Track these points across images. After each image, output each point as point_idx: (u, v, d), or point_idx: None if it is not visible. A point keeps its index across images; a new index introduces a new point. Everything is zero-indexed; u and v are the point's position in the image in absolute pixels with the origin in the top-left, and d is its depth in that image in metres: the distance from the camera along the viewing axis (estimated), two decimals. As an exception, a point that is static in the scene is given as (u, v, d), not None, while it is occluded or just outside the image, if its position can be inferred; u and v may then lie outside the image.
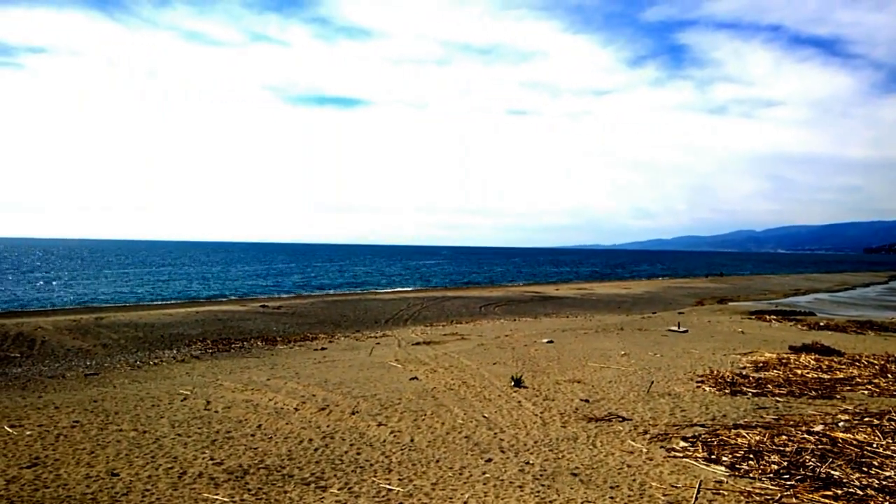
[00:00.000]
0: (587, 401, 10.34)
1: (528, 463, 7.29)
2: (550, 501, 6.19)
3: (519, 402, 10.21)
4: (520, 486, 6.56)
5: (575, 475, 6.90)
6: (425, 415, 9.38)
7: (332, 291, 44.05)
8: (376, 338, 18.73)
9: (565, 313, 27.52)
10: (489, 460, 7.39)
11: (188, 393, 10.82)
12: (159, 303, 34.36)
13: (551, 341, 17.07)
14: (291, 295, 40.22)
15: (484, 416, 9.29)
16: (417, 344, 16.96)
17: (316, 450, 7.73)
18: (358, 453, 7.62)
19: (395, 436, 8.35)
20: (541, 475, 6.89)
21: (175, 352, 16.62)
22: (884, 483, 6.55)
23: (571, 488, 6.51)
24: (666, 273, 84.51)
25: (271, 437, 8.21)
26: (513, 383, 11.35)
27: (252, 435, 8.32)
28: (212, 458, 7.36)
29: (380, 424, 8.88)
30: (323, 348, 16.67)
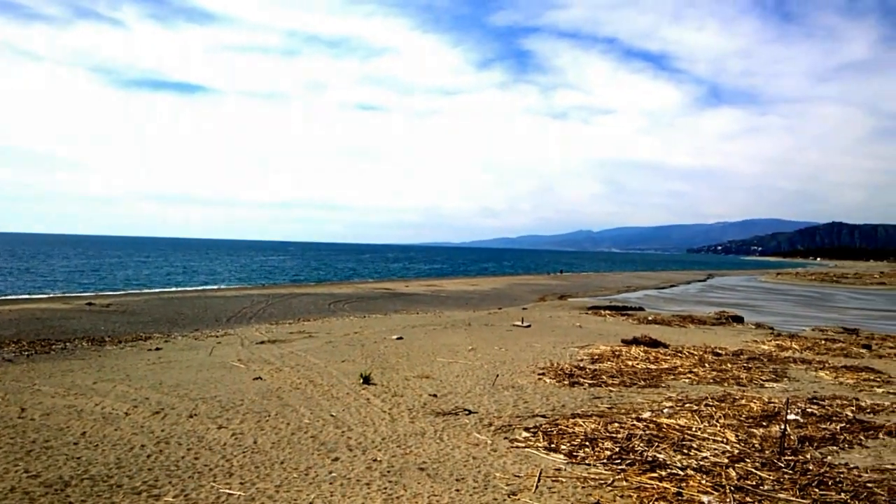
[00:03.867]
0: (435, 395, 10.45)
1: (375, 460, 7.23)
2: (397, 497, 6.16)
3: (367, 399, 10.12)
4: (367, 484, 6.48)
5: (422, 470, 6.93)
6: (269, 415, 9.05)
7: (168, 288, 41.48)
8: (217, 337, 17.85)
9: (415, 310, 27.74)
10: (336, 459, 7.25)
11: (-1, 400, 9.73)
12: (-33, 301, 30.74)
13: (401, 338, 17.13)
14: (122, 292, 37.45)
15: (331, 415, 9.12)
16: (262, 343, 16.36)
17: (149, 456, 7.21)
18: (196, 458, 7.20)
19: (236, 438, 7.97)
20: (388, 471, 6.85)
21: (-15, 355, 14.88)
22: (701, 463, 7.14)
23: (418, 483, 6.53)
24: (512, 270, 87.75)
25: (97, 445, 7.56)
26: (361, 380, 11.23)
27: (75, 443, 7.61)
28: (26, 471, 6.64)
29: (220, 427, 8.45)
30: (158, 348, 15.63)
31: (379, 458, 7.29)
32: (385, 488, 6.39)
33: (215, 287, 43.28)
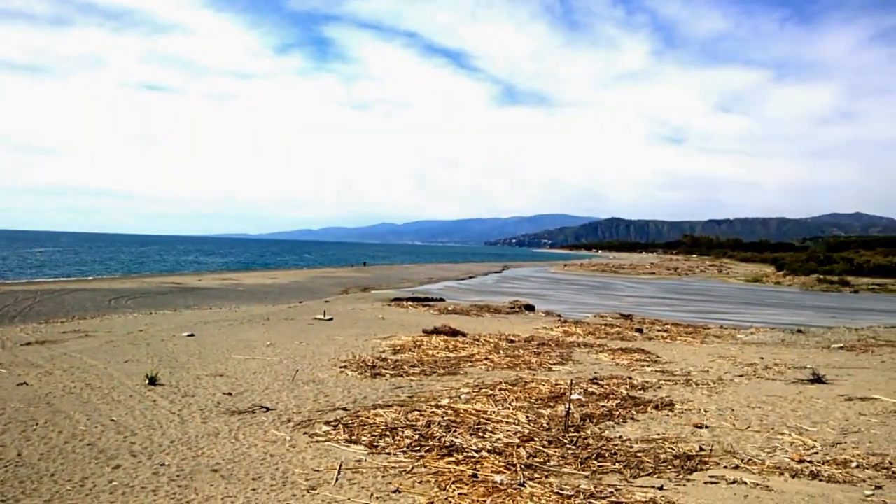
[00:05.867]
0: (230, 394, 9.97)
1: (163, 464, 6.72)
2: (188, 502, 5.79)
3: (154, 400, 9.40)
4: (153, 491, 6.01)
5: (215, 471, 6.56)
6: (37, 424, 8.07)
7: None
8: (-27, 339, 15.63)
9: (208, 305, 26.26)
10: (118, 466, 6.64)
11: None
12: None
13: (192, 335, 16.14)
14: None
15: (112, 420, 8.34)
16: (28, 344, 14.55)
17: None
18: (-58, 479, 6.22)
19: (-5, 452, 7.01)
20: (178, 476, 6.40)
21: None
22: (495, 445, 7.49)
23: (211, 485, 6.17)
24: (313, 263, 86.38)
25: None
26: (147, 381, 10.40)
27: None
28: None
29: (-26, 441, 7.38)
30: None
31: (167, 463, 6.78)
32: (174, 493, 5.96)
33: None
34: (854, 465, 7.14)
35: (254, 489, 6.11)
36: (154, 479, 6.30)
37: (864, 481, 6.62)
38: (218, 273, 54.35)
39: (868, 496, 6.17)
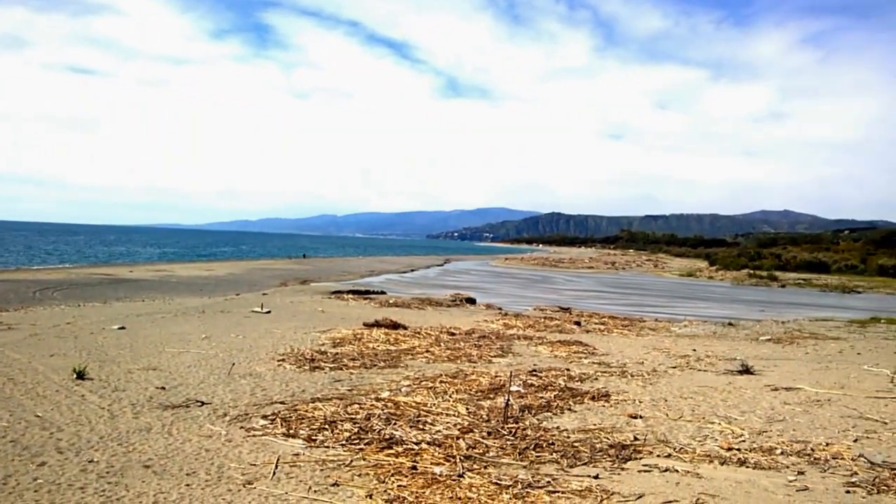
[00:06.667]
0: (163, 388, 9.70)
1: (91, 461, 6.48)
2: (118, 499, 5.59)
3: (82, 395, 9.06)
4: (81, 488, 5.79)
5: (148, 467, 6.37)
6: (-46, 421, 7.69)
7: None
8: None
9: (141, 297, 25.46)
10: (43, 464, 6.38)
11: None
12: None
13: (123, 327, 15.63)
14: None
15: (37, 416, 8.01)
16: (-52, 337, 13.88)
17: None
18: None
19: None
20: (107, 472, 6.19)
21: None
22: (435, 437, 7.50)
23: (143, 481, 5.99)
24: (251, 254, 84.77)
25: None
26: (75, 375, 10.01)
27: None
28: None
29: None
30: None
31: (96, 459, 6.55)
32: (103, 490, 5.76)
33: None
34: (779, 451, 7.43)
35: (188, 485, 5.97)
36: (82, 476, 6.08)
37: (787, 467, 6.90)
38: (151, 264, 52.77)
39: (791, 481, 6.44)
